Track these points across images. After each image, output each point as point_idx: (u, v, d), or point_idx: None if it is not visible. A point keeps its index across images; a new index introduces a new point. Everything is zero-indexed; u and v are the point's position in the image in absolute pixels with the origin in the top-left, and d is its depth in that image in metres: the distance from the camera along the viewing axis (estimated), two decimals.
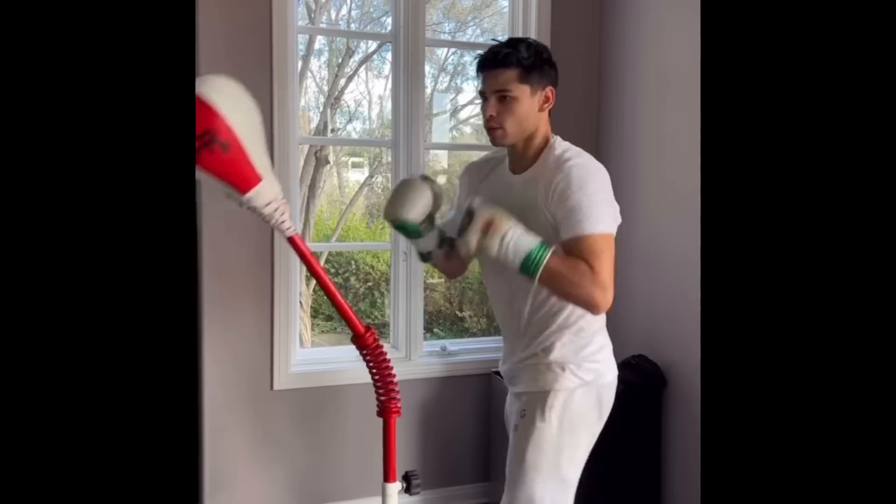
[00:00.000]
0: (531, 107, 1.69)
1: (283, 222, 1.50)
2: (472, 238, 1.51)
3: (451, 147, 4.40)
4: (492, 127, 1.69)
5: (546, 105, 1.72)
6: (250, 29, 2.55)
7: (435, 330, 4.74)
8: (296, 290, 2.76)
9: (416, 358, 2.93)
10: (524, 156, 1.74)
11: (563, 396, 1.68)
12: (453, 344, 3.08)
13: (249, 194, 1.42)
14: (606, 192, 1.66)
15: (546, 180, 1.65)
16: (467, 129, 4.84)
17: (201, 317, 2.60)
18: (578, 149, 1.71)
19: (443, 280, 5.17)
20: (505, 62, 1.65)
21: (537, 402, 1.69)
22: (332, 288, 1.52)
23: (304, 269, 3.37)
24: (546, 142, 1.74)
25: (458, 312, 5.09)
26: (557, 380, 1.69)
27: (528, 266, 1.52)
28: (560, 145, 1.72)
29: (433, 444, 2.94)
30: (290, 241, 1.53)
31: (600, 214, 1.61)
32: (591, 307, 1.59)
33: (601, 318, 1.75)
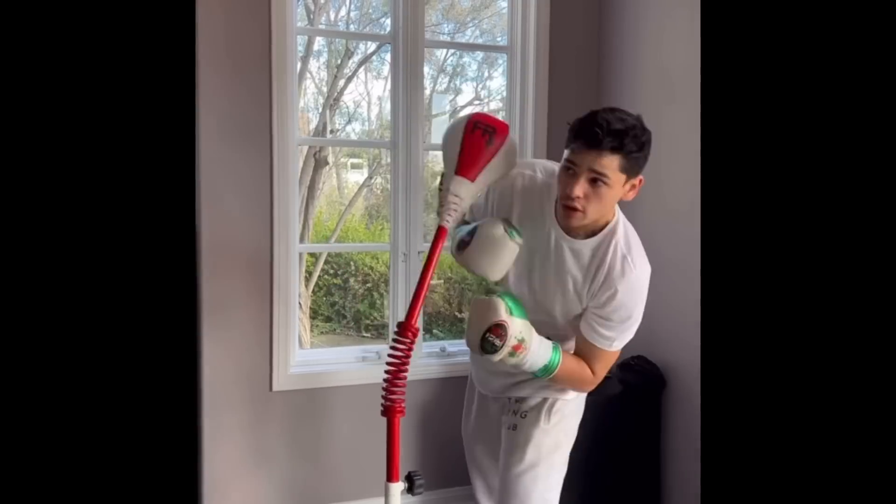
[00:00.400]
0: (618, 194, 1.57)
1: (448, 214, 1.62)
2: (500, 357, 1.57)
3: None
4: (573, 207, 1.54)
5: (630, 194, 1.60)
6: (250, 30, 2.55)
7: (434, 331, 4.74)
8: (295, 292, 2.76)
9: (416, 359, 2.93)
10: (583, 224, 1.61)
11: (563, 404, 1.80)
12: (453, 345, 3.08)
13: (458, 179, 1.61)
14: (642, 313, 1.68)
15: (602, 265, 1.63)
16: None
17: (201, 318, 2.60)
18: (636, 241, 1.69)
19: (442, 281, 5.17)
20: (614, 146, 1.50)
21: (542, 406, 1.79)
22: (427, 280, 1.63)
23: (303, 270, 3.37)
24: (609, 216, 1.65)
25: (457, 314, 5.09)
26: (564, 390, 1.79)
27: (541, 373, 1.64)
28: (623, 230, 1.65)
29: (432, 445, 2.94)
30: (439, 229, 1.64)
31: (628, 337, 1.69)
32: (582, 391, 1.80)
33: None
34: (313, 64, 4.83)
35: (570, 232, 1.64)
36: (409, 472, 1.59)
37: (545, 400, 1.80)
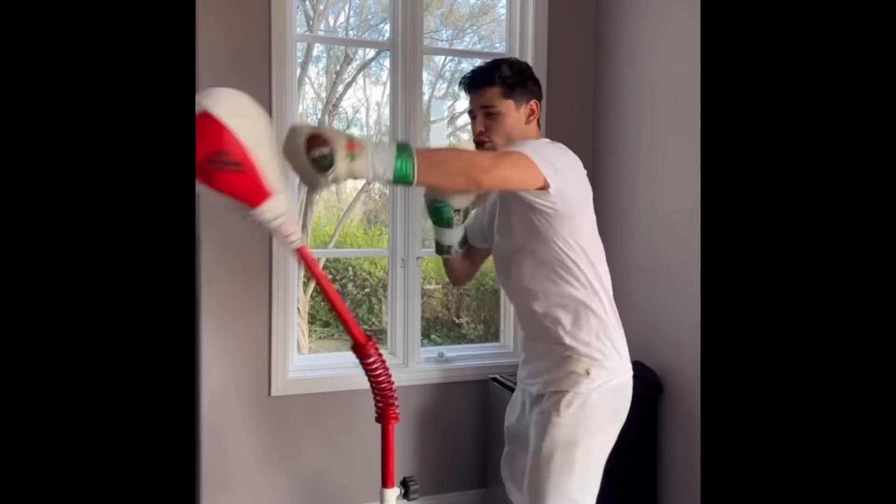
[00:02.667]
0: (517, 120, 1.77)
1: (288, 235, 1.40)
2: (342, 163, 1.29)
3: None
4: (481, 141, 1.78)
5: (532, 118, 1.80)
6: (249, 36, 2.56)
7: (432, 336, 4.74)
8: (293, 297, 2.76)
9: (414, 364, 2.93)
10: None
11: (580, 398, 1.73)
12: (451, 350, 3.08)
13: (257, 210, 1.32)
14: (550, 150, 1.64)
15: None
16: (465, 136, 4.85)
17: (199, 323, 2.60)
18: (556, 143, 1.76)
19: (440, 286, 5.17)
20: (488, 81, 1.76)
21: (557, 400, 1.75)
22: (337, 298, 1.50)
23: (303, 275, 3.37)
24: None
25: (455, 319, 5.09)
26: (579, 383, 1.73)
27: (401, 172, 1.35)
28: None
29: (430, 450, 2.94)
30: (298, 251, 1.43)
31: (532, 152, 1.56)
32: (469, 176, 1.46)
33: (612, 314, 1.78)
34: (312, 70, 4.84)
35: None
36: (405, 478, 1.60)
37: (557, 392, 1.75)
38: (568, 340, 1.73)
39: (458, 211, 1.80)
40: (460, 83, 1.84)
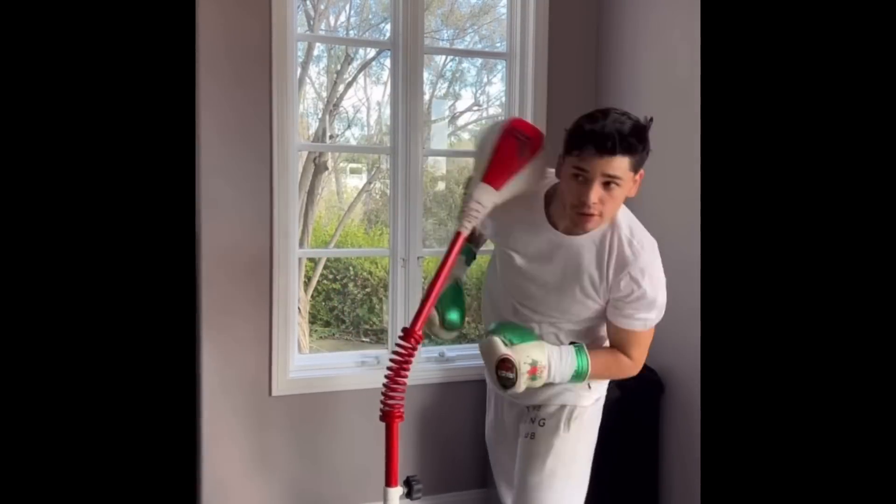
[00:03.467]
0: (626, 192, 1.57)
1: (467, 220, 1.62)
2: (523, 386, 1.57)
3: (450, 153, 4.41)
4: (590, 213, 1.54)
5: (634, 189, 1.60)
6: (250, 36, 2.56)
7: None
8: (294, 296, 2.76)
9: (415, 364, 2.92)
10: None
11: (582, 412, 1.77)
12: (451, 350, 3.08)
13: (483, 186, 1.61)
14: (664, 285, 1.66)
15: (609, 257, 1.62)
16: (465, 136, 4.85)
17: (200, 323, 2.60)
18: (635, 222, 1.67)
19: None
20: (626, 150, 1.50)
21: (561, 414, 1.77)
22: (438, 286, 1.61)
23: (302, 275, 3.37)
24: None
25: None
26: (582, 396, 1.77)
27: (576, 380, 1.64)
28: (623, 219, 1.64)
29: (431, 450, 2.94)
30: (456, 234, 1.64)
31: (657, 315, 1.66)
32: (627, 378, 1.73)
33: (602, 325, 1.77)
34: (313, 69, 4.84)
35: (563, 228, 1.65)
36: (408, 477, 1.59)
37: (563, 407, 1.77)
38: None
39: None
40: (588, 135, 1.51)
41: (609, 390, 1.90)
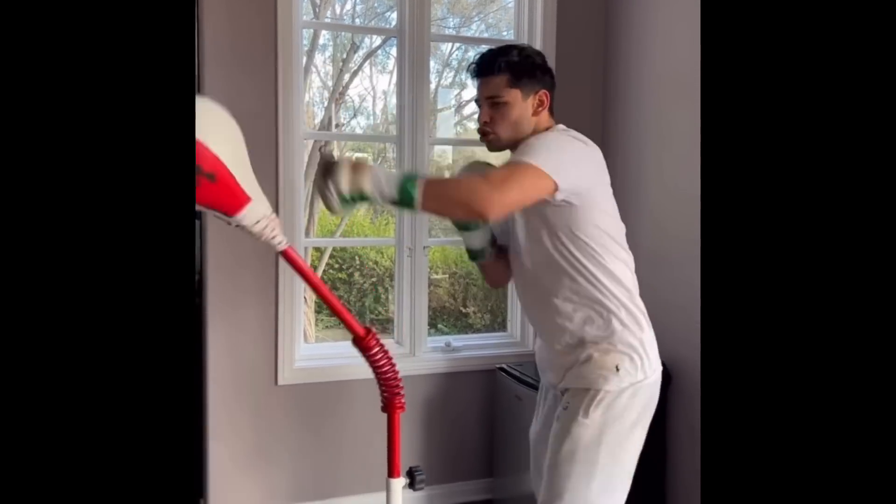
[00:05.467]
0: (524, 111, 1.69)
1: (273, 237, 1.44)
2: (343, 177, 1.43)
3: (456, 142, 4.40)
4: (485, 132, 1.71)
5: (540, 109, 1.71)
6: (255, 23, 2.55)
7: (439, 326, 4.74)
8: (300, 286, 2.76)
9: (420, 354, 2.93)
10: (503, 145, 1.73)
11: (609, 397, 1.64)
12: (457, 340, 3.08)
13: (237, 216, 1.37)
14: (561, 148, 1.61)
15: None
16: (472, 125, 4.83)
17: (206, 312, 2.60)
18: (571, 132, 1.70)
19: (446, 276, 5.16)
20: (494, 69, 1.68)
21: (584, 397, 1.65)
22: (329, 294, 1.51)
23: (308, 264, 3.35)
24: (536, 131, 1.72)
25: (462, 308, 5.09)
26: (609, 380, 1.65)
27: (405, 194, 1.43)
28: (553, 130, 1.72)
29: (437, 439, 2.94)
30: (283, 254, 1.47)
31: (535, 153, 1.54)
32: (475, 207, 1.47)
33: (636, 306, 1.71)
34: (318, 58, 4.83)
35: None
36: (411, 468, 1.59)
37: (587, 391, 1.65)
38: (594, 332, 1.67)
39: None
40: (467, 69, 1.77)
41: (655, 384, 1.78)
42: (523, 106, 1.69)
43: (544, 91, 1.72)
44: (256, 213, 1.39)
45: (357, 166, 1.44)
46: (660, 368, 1.75)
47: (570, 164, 1.58)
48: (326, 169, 1.45)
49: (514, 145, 1.70)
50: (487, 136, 1.71)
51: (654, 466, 2.67)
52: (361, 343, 1.51)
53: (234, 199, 1.35)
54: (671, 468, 2.68)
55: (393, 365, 1.55)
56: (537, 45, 2.92)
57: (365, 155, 1.48)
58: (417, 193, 1.43)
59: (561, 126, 1.74)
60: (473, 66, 1.73)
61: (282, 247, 1.45)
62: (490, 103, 1.69)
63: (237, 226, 1.39)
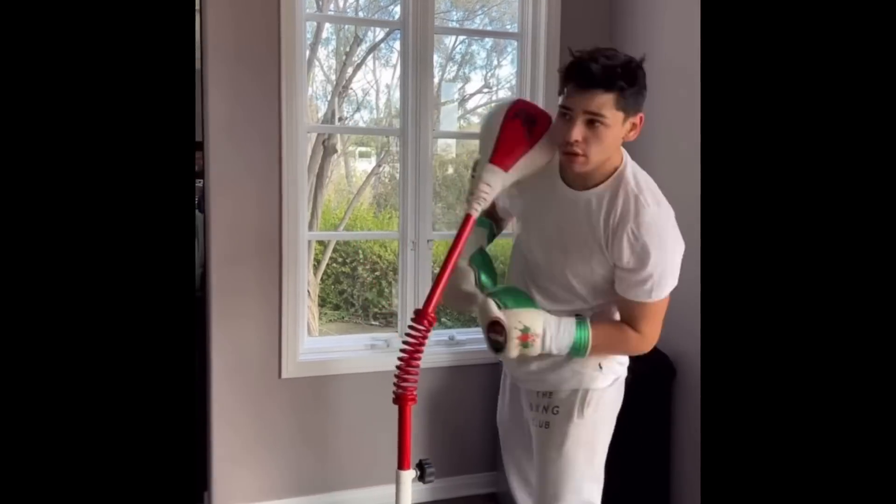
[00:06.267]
0: (619, 134, 1.52)
1: (476, 202, 1.60)
2: (514, 352, 1.56)
3: (460, 136, 4.39)
4: (574, 152, 1.51)
5: (632, 133, 1.55)
6: (258, 16, 2.54)
7: (442, 319, 4.74)
8: (303, 280, 2.75)
9: (425, 347, 2.92)
10: (590, 174, 1.58)
11: (598, 395, 1.69)
12: (461, 333, 3.07)
13: (491, 168, 1.59)
14: (677, 251, 1.57)
15: (613, 211, 1.55)
16: (475, 119, 4.82)
17: (209, 306, 2.60)
18: (650, 182, 1.60)
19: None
20: (606, 84, 1.46)
21: (574, 399, 1.70)
22: (449, 271, 1.59)
23: (311, 258, 3.36)
24: (616, 162, 1.59)
25: None
26: (595, 379, 1.69)
27: (575, 354, 1.61)
28: (631, 173, 1.58)
29: (441, 433, 2.94)
30: (466, 216, 1.61)
31: (670, 284, 1.58)
32: (637, 355, 1.68)
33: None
34: (322, 52, 4.82)
35: (577, 184, 1.61)
36: (421, 460, 1.58)
37: (576, 392, 1.69)
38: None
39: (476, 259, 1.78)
40: (570, 70, 1.51)
41: (625, 378, 1.83)
42: (621, 130, 1.52)
43: (641, 115, 1.55)
44: (496, 181, 1.60)
45: (525, 338, 1.55)
46: (627, 361, 1.80)
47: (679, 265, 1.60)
48: (491, 329, 1.58)
49: (596, 175, 1.59)
50: (576, 157, 1.51)
51: (658, 460, 2.67)
52: (423, 319, 1.54)
53: (515, 158, 1.60)
54: (675, 462, 2.68)
55: (422, 353, 1.56)
56: (541, 39, 2.90)
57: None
58: (587, 350, 1.60)
59: (627, 157, 1.62)
60: (577, 72, 1.50)
61: (470, 211, 1.61)
62: (588, 120, 1.48)
63: (480, 176, 1.60)
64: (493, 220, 1.88)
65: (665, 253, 1.53)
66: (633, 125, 1.54)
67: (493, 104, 4.68)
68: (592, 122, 1.48)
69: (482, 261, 1.75)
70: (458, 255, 1.60)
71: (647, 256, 1.51)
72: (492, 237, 1.87)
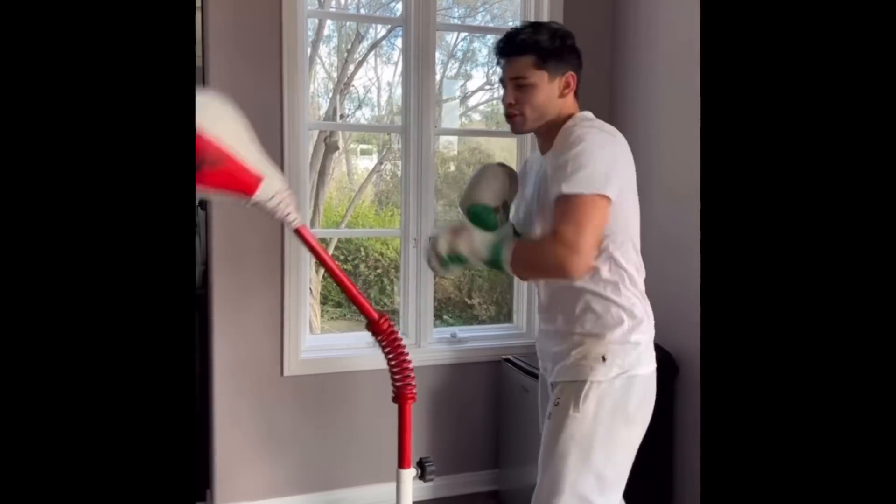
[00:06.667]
0: (550, 93, 1.67)
1: (287, 214, 1.46)
2: (442, 240, 1.61)
3: (461, 133, 4.38)
4: (511, 114, 1.69)
5: (567, 91, 1.69)
6: (260, 13, 2.53)
7: (444, 317, 4.74)
8: (305, 277, 2.75)
9: (426, 345, 2.92)
10: (549, 140, 1.70)
11: (599, 388, 1.61)
12: (463, 331, 3.07)
13: (254, 197, 1.41)
14: (601, 156, 1.56)
15: (555, 153, 1.63)
16: (476, 116, 4.81)
17: (212, 303, 2.60)
18: (597, 122, 1.66)
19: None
20: (521, 49, 1.64)
21: (572, 391, 1.62)
22: (343, 276, 1.51)
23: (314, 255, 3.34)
24: (564, 114, 1.71)
25: (467, 300, 5.08)
26: (596, 371, 1.61)
27: (496, 260, 1.60)
28: (580, 121, 1.66)
29: (442, 431, 2.94)
30: (297, 232, 1.49)
31: (585, 175, 1.52)
32: (563, 274, 1.53)
33: (633, 296, 1.66)
34: (323, 49, 4.81)
35: (544, 151, 1.72)
36: (421, 459, 1.58)
37: (574, 383, 1.63)
38: (584, 325, 1.64)
39: (497, 209, 1.76)
40: (494, 48, 1.73)
41: (650, 377, 1.76)
42: (550, 88, 1.67)
43: (571, 73, 1.69)
44: (270, 190, 1.42)
45: (456, 230, 1.62)
46: (654, 363, 1.72)
47: (612, 171, 1.57)
48: (431, 236, 1.65)
49: (539, 128, 1.71)
50: (513, 118, 1.69)
51: (661, 458, 2.67)
52: (375, 326, 1.52)
53: (247, 179, 1.38)
54: (678, 459, 2.68)
55: (405, 352, 1.55)
56: None
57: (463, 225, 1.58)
58: (506, 257, 1.58)
59: (586, 114, 1.71)
60: (499, 43, 1.70)
61: (296, 224, 1.48)
62: (515, 84, 1.66)
63: (253, 204, 1.42)
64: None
65: (585, 145, 1.55)
66: (567, 83, 1.69)
67: (495, 101, 4.68)
68: (519, 86, 1.66)
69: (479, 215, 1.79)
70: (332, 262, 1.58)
71: (567, 148, 1.57)
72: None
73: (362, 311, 1.52)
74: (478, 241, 1.61)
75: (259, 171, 1.40)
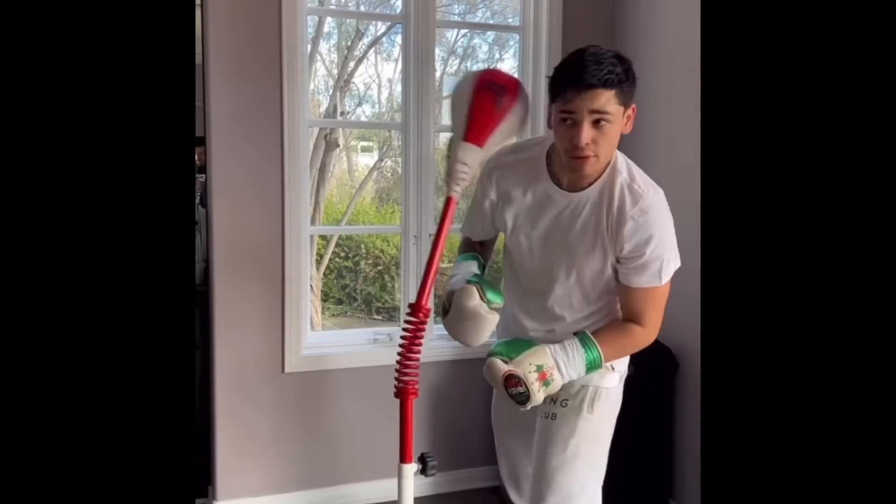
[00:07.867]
0: (619, 129, 1.53)
1: (456, 183, 1.56)
2: (539, 395, 1.55)
3: None
4: (585, 156, 1.49)
5: (628, 126, 1.55)
6: (260, 10, 2.53)
7: None
8: (306, 274, 2.76)
9: (427, 341, 2.92)
10: (583, 178, 1.58)
11: (606, 393, 1.72)
12: None
13: (465, 146, 1.55)
14: (670, 234, 1.59)
15: (611, 208, 1.56)
16: None
17: (213, 300, 2.60)
18: (643, 175, 1.61)
19: (452, 264, 5.15)
20: (607, 82, 1.45)
21: (584, 394, 1.70)
22: (436, 259, 1.58)
23: (314, 253, 3.35)
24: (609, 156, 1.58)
25: None
26: (605, 378, 1.71)
27: (591, 370, 1.60)
28: (623, 164, 1.60)
29: (443, 426, 2.94)
30: (448, 199, 1.58)
31: (667, 267, 1.58)
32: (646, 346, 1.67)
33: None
34: (323, 46, 4.81)
35: (568, 184, 1.61)
36: (423, 454, 1.59)
37: (586, 388, 1.70)
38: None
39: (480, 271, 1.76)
40: (567, 75, 1.48)
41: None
42: (620, 125, 1.52)
43: (633, 106, 1.55)
44: (473, 159, 1.57)
45: (542, 376, 1.54)
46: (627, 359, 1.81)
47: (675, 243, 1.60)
48: (509, 384, 1.56)
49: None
50: (586, 160, 1.50)
51: (661, 453, 2.68)
52: (418, 312, 1.52)
53: (488, 133, 1.57)
54: (678, 454, 2.68)
55: (419, 346, 1.55)
56: (543, 32, 2.90)
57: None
58: (600, 361, 1.59)
59: (623, 159, 1.62)
60: (575, 76, 1.46)
61: (451, 193, 1.57)
62: (594, 121, 1.47)
63: (449, 153, 1.59)
64: (477, 253, 1.83)
65: (666, 233, 1.57)
66: (629, 118, 1.55)
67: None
68: (598, 121, 1.47)
69: (481, 279, 1.69)
70: (443, 241, 1.57)
71: (651, 239, 1.54)
72: (482, 268, 1.80)
73: (424, 290, 1.54)
74: (574, 374, 1.58)
75: (488, 143, 1.57)
